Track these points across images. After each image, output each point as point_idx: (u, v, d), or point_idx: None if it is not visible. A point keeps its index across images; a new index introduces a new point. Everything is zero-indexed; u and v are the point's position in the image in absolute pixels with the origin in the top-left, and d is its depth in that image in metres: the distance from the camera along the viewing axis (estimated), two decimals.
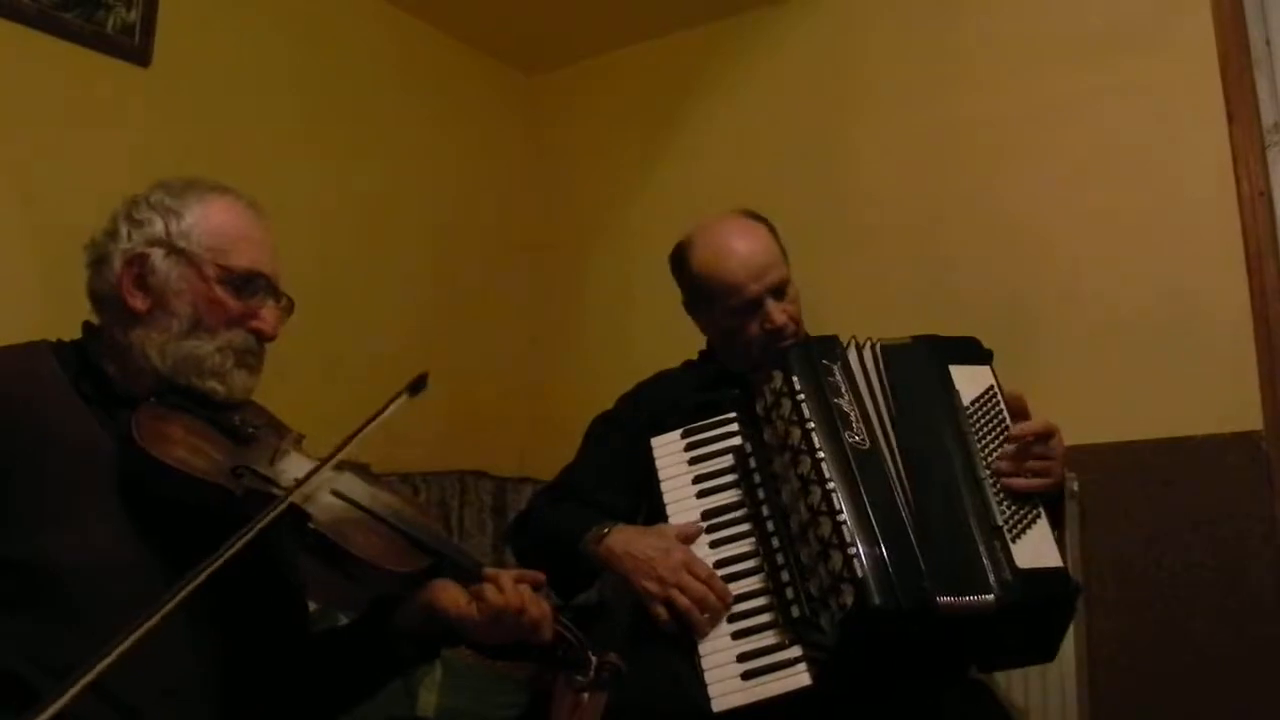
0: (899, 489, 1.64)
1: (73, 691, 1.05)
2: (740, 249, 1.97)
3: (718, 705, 1.59)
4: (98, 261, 1.49)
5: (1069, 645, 2.36)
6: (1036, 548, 1.61)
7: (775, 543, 1.69)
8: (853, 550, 1.55)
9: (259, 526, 1.23)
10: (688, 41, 3.44)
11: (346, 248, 3.05)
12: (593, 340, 3.45)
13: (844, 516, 1.58)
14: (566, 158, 3.68)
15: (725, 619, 1.67)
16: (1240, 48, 2.53)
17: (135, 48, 2.62)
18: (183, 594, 1.13)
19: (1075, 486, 2.48)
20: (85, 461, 1.36)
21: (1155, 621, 2.42)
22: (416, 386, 1.43)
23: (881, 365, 1.78)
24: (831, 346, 1.79)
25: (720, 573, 1.71)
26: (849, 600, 1.53)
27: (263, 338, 1.51)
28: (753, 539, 1.73)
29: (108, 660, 1.07)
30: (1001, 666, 1.84)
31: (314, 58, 3.07)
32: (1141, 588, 2.45)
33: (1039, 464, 1.68)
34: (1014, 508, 1.64)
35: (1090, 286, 2.63)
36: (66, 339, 1.51)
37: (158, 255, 1.46)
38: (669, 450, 1.87)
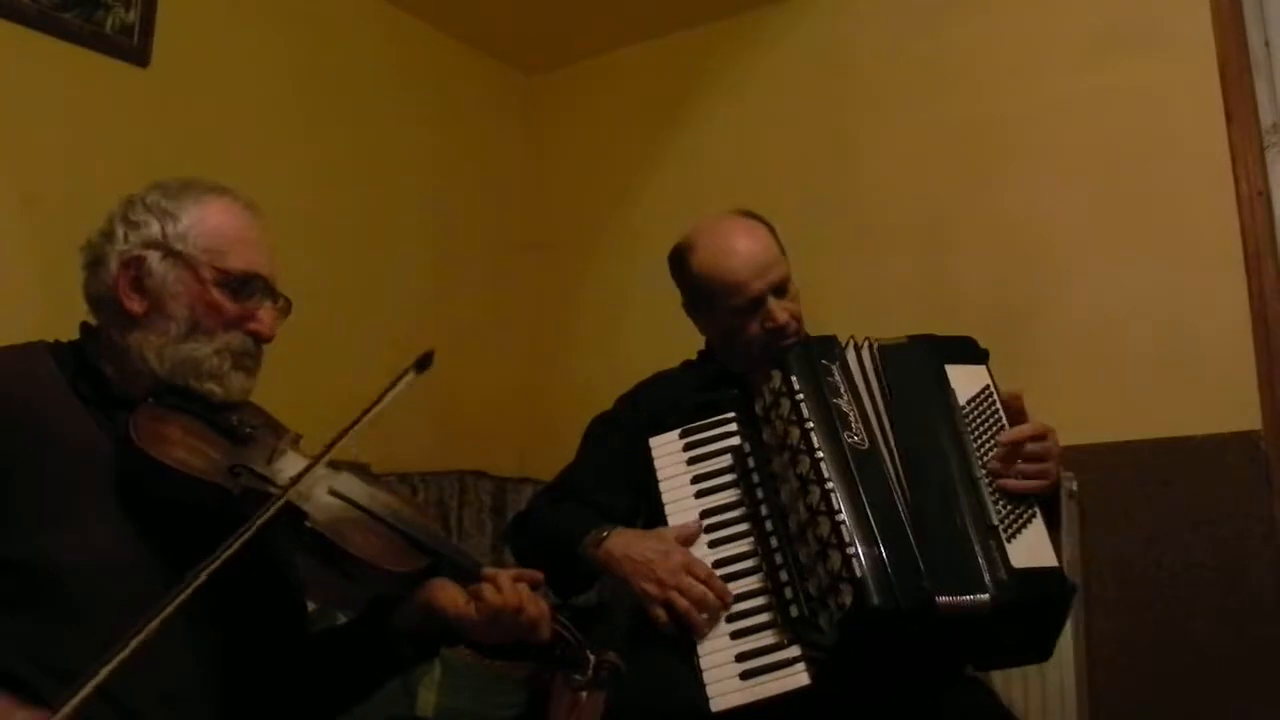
0: (897, 489, 1.64)
1: (83, 694, 1.05)
2: (741, 248, 1.97)
3: (717, 705, 1.59)
4: (94, 263, 1.48)
5: (1069, 645, 2.37)
6: (1032, 547, 1.61)
7: (774, 542, 1.69)
8: (851, 550, 1.55)
9: (262, 520, 1.23)
10: (688, 41, 3.45)
11: (346, 248, 3.06)
12: (592, 340, 3.46)
13: (843, 516, 1.58)
14: (566, 158, 3.68)
15: (724, 619, 1.67)
16: (1239, 49, 2.53)
17: (134, 48, 2.62)
18: (189, 591, 1.14)
19: (1075, 486, 2.48)
20: (84, 462, 1.35)
21: (1155, 621, 2.42)
22: (423, 363, 1.43)
23: (878, 365, 1.78)
24: (830, 346, 1.79)
25: (719, 573, 1.70)
26: (848, 600, 1.53)
27: (260, 339, 1.51)
28: (751, 539, 1.73)
29: (112, 664, 1.07)
30: (998, 666, 1.84)
31: (313, 58, 3.07)
32: (1141, 588, 2.45)
33: (1033, 466, 1.67)
34: (1010, 507, 1.64)
35: (1090, 286, 2.63)
36: (65, 339, 1.51)
37: (154, 258, 1.45)
38: (667, 450, 1.86)
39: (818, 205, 3.03)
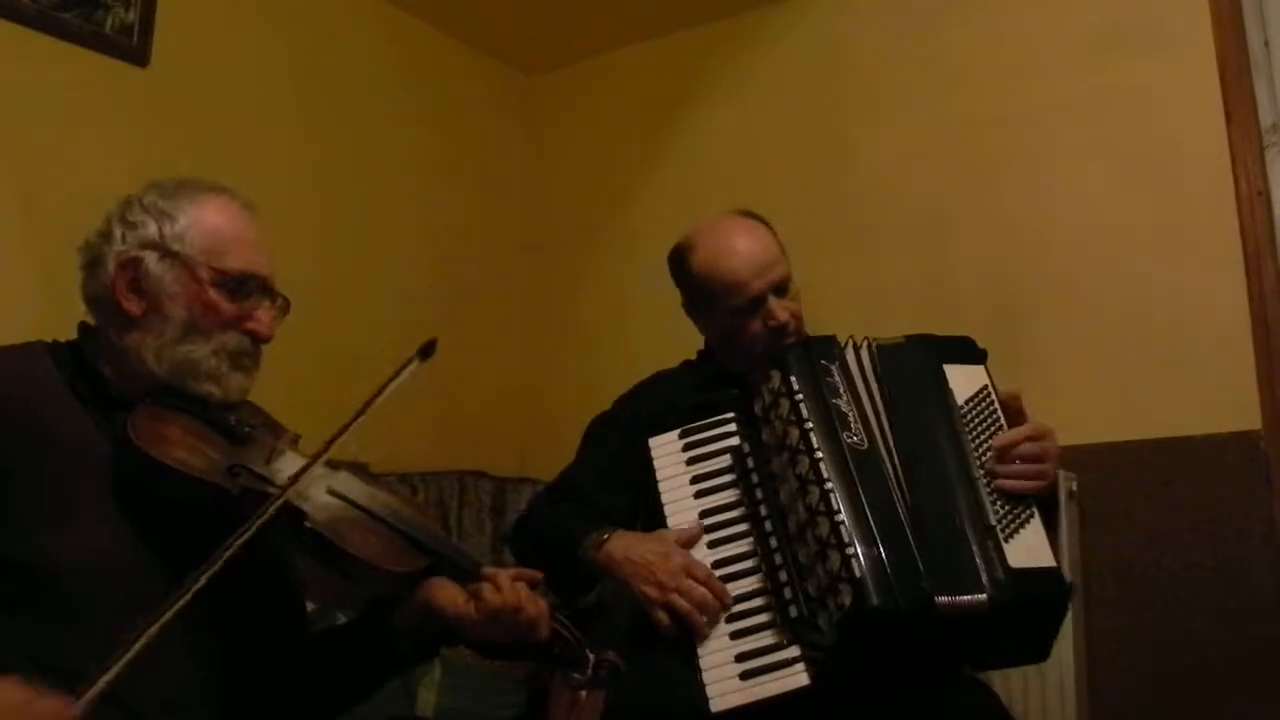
0: (896, 489, 1.64)
1: (106, 678, 1.07)
2: (742, 247, 1.97)
3: (716, 705, 1.59)
4: (91, 264, 1.48)
5: (1069, 645, 2.37)
6: (1030, 547, 1.61)
7: (773, 543, 1.69)
8: (851, 550, 1.55)
9: (263, 519, 1.24)
10: (688, 41, 3.45)
11: (346, 248, 3.06)
12: (592, 340, 3.46)
13: (842, 516, 1.58)
14: (566, 158, 3.69)
15: (724, 619, 1.67)
16: (1239, 49, 2.53)
17: (134, 48, 2.62)
18: (196, 586, 1.15)
19: (1075, 486, 2.48)
20: (83, 462, 1.35)
21: (1155, 621, 2.43)
22: (427, 351, 1.43)
23: (877, 365, 1.78)
24: (830, 346, 1.79)
25: (718, 573, 1.70)
26: (847, 600, 1.53)
27: (258, 339, 1.50)
28: (751, 539, 1.73)
29: (130, 654, 1.09)
30: (995, 666, 1.84)
31: (313, 58, 3.07)
32: (1141, 588, 2.45)
33: (1031, 466, 1.67)
34: (1007, 507, 1.64)
35: (1090, 286, 2.64)
36: (64, 339, 1.51)
37: (151, 259, 1.45)
38: (667, 451, 1.86)
39: (818, 205, 3.04)
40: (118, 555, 1.32)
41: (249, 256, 1.49)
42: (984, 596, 1.55)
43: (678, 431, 1.87)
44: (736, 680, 1.60)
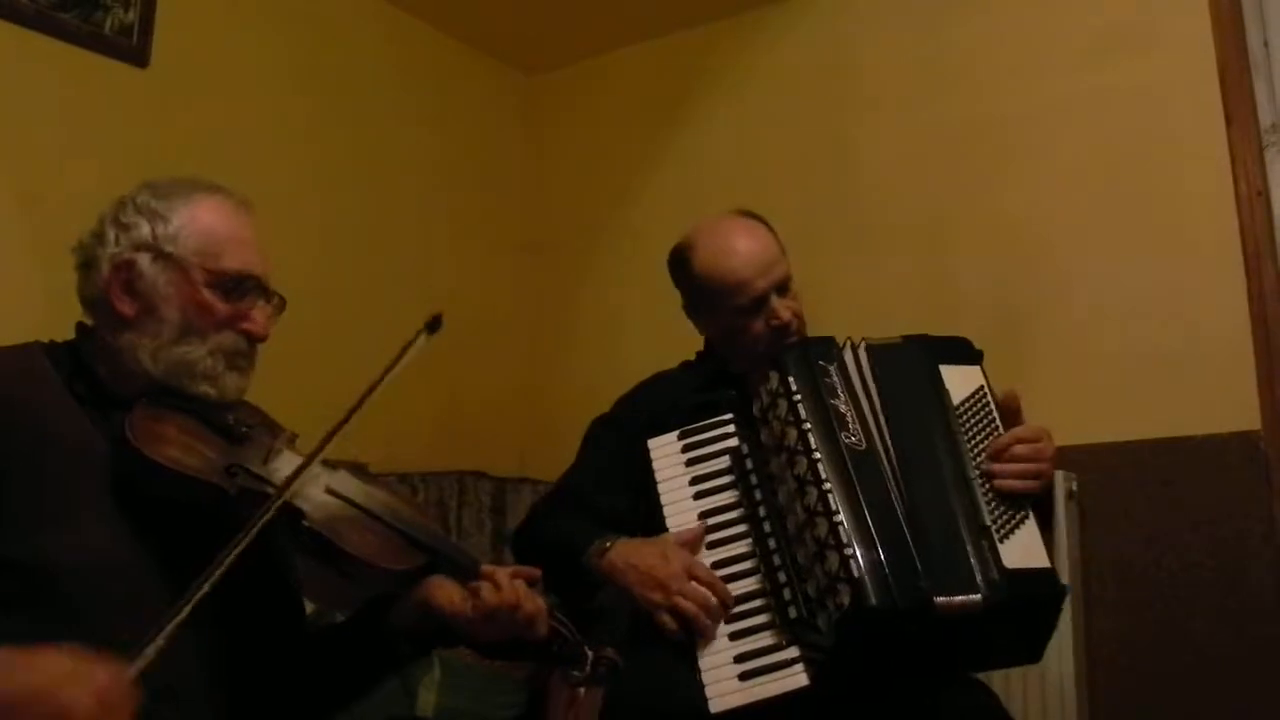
0: (894, 489, 1.64)
1: (149, 654, 1.12)
2: (744, 247, 1.97)
3: (715, 706, 1.59)
4: (85, 265, 1.48)
5: (1069, 645, 2.37)
6: (1024, 548, 1.61)
7: (772, 544, 1.69)
8: (849, 551, 1.55)
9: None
10: (688, 41, 3.45)
11: (346, 248, 3.06)
12: (592, 341, 3.46)
13: (840, 517, 1.58)
14: (566, 158, 3.69)
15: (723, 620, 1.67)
16: (1238, 50, 2.53)
17: (133, 48, 2.62)
18: (231, 556, 1.18)
19: (1075, 486, 2.48)
20: (82, 462, 1.35)
21: (1155, 621, 2.42)
22: (434, 325, 1.43)
23: (873, 365, 1.78)
24: (828, 347, 1.79)
25: (717, 574, 1.71)
26: (845, 600, 1.53)
27: (253, 339, 1.50)
28: (749, 540, 1.73)
29: (166, 633, 1.13)
30: (989, 667, 1.84)
31: (313, 58, 3.07)
32: (1141, 588, 2.45)
33: (1026, 466, 1.67)
34: (1002, 508, 1.64)
35: (1090, 286, 2.64)
36: (63, 340, 1.51)
37: (145, 260, 1.44)
38: (666, 452, 1.86)
39: (818, 205, 3.04)
40: (116, 555, 1.32)
41: (243, 256, 1.49)
42: (979, 597, 1.55)
43: (676, 432, 1.87)
44: (736, 681, 1.60)
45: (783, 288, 1.97)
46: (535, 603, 1.39)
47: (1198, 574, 2.40)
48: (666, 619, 1.67)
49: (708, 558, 1.74)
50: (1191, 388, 2.47)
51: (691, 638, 1.66)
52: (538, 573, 1.44)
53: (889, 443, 1.69)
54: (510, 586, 1.37)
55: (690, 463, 1.84)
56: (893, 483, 1.65)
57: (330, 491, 1.41)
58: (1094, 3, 2.74)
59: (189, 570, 1.21)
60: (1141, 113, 2.62)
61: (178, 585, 1.21)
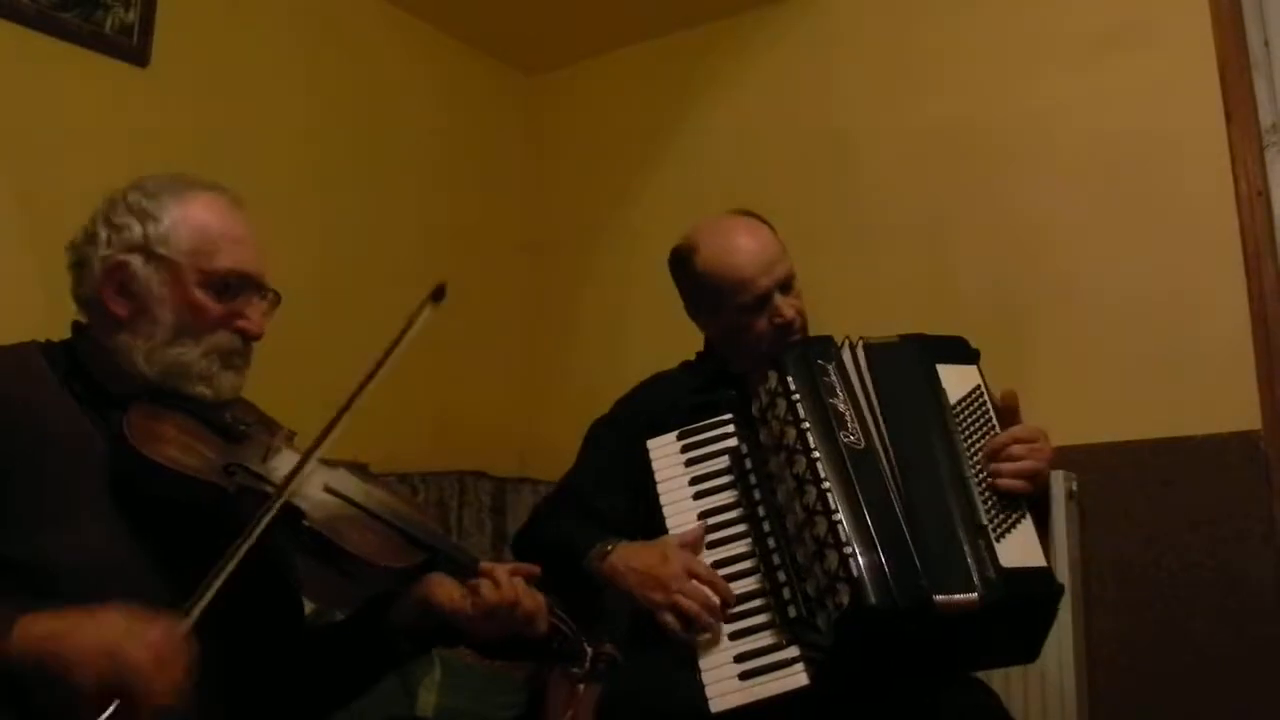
0: (893, 488, 1.64)
1: (201, 608, 1.18)
2: (747, 245, 1.97)
3: (715, 706, 1.59)
4: (78, 265, 1.47)
5: (1069, 646, 2.37)
6: (1021, 547, 1.61)
7: (771, 543, 1.69)
8: (848, 550, 1.55)
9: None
10: (688, 41, 3.45)
11: (345, 247, 3.06)
12: (592, 341, 3.46)
13: (839, 516, 1.58)
14: (566, 158, 3.69)
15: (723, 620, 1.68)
16: (1239, 49, 2.53)
17: (133, 48, 2.62)
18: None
19: (1075, 486, 2.48)
20: (81, 461, 1.35)
21: (1154, 621, 2.42)
22: (438, 294, 1.43)
23: (871, 364, 1.78)
24: (827, 346, 1.79)
25: (717, 574, 1.71)
26: (845, 600, 1.53)
27: (248, 337, 1.49)
28: (749, 540, 1.73)
29: (214, 589, 1.18)
30: (985, 666, 1.84)
31: (313, 58, 3.07)
32: (1141, 588, 2.45)
33: (1023, 465, 1.67)
34: (999, 507, 1.64)
35: (1090, 286, 2.63)
36: (58, 339, 1.51)
37: (137, 262, 1.44)
38: (665, 452, 1.86)
39: (818, 205, 3.03)
40: (115, 554, 1.31)
41: (236, 254, 1.48)
42: (975, 595, 1.55)
43: (676, 433, 1.87)
44: (736, 680, 1.60)
45: (786, 285, 1.97)
46: (535, 599, 1.39)
47: (1197, 574, 2.40)
48: (669, 618, 1.67)
49: (707, 557, 1.74)
50: (1191, 388, 2.47)
51: (694, 637, 1.66)
52: (537, 570, 1.44)
53: (887, 442, 1.69)
54: (509, 583, 1.37)
55: (690, 463, 1.84)
56: (891, 482, 1.65)
57: (329, 490, 1.41)
58: (1094, 2, 2.74)
59: (188, 570, 1.21)
60: (1141, 112, 2.62)
61: (177, 585, 1.21)
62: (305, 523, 1.33)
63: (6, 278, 2.34)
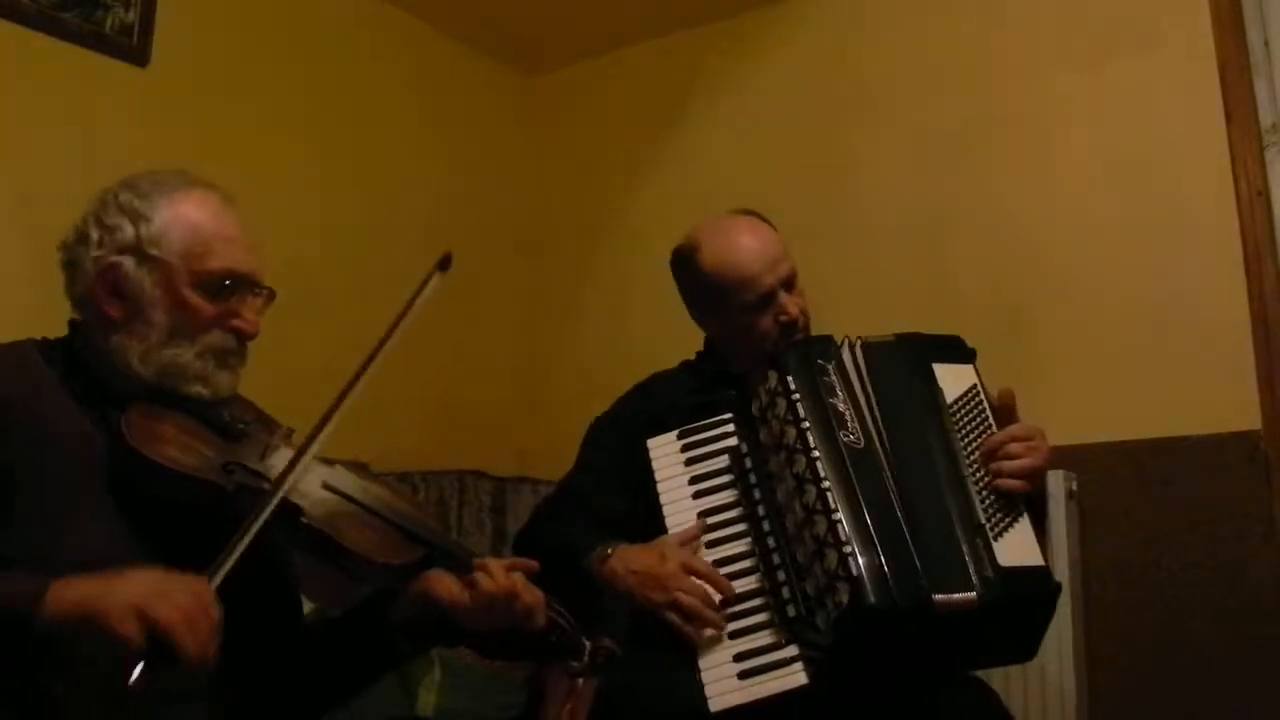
0: (892, 488, 1.64)
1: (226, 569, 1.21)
2: (750, 244, 1.97)
3: (715, 705, 1.59)
4: (70, 265, 1.46)
5: (1068, 645, 2.37)
6: (1018, 546, 1.61)
7: (771, 542, 1.69)
8: (848, 549, 1.55)
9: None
10: (688, 41, 3.44)
11: (346, 247, 3.06)
12: (592, 340, 3.46)
13: (839, 515, 1.58)
14: (566, 158, 3.68)
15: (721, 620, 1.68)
16: (1239, 50, 2.53)
17: (133, 48, 2.62)
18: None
19: (1074, 486, 2.48)
20: (80, 461, 1.35)
21: (1154, 621, 2.42)
22: (445, 264, 1.44)
23: (869, 363, 1.78)
24: (826, 346, 1.79)
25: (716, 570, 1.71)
26: (844, 599, 1.53)
27: (243, 337, 1.49)
28: (749, 539, 1.73)
29: (237, 553, 1.23)
30: (983, 665, 1.84)
31: (313, 58, 3.07)
32: (1140, 588, 2.45)
33: (1020, 464, 1.67)
34: (996, 506, 1.65)
35: (1089, 286, 2.63)
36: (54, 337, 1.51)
37: (129, 264, 1.43)
38: (665, 452, 1.87)
39: (818, 206, 3.03)
40: (115, 554, 1.31)
41: (229, 254, 1.47)
42: (974, 594, 1.55)
43: (676, 432, 1.88)
44: (735, 680, 1.61)
45: (790, 284, 1.97)
46: (534, 594, 1.39)
47: (1197, 574, 2.40)
48: (672, 616, 1.68)
49: (707, 556, 1.74)
50: (1191, 387, 2.46)
51: (697, 632, 1.66)
52: (535, 565, 1.45)
53: (886, 441, 1.69)
54: (506, 576, 1.38)
55: (689, 462, 1.85)
56: (890, 481, 1.65)
57: (328, 487, 1.41)
58: (1094, 3, 2.74)
59: (187, 569, 1.21)
60: (1141, 113, 2.62)
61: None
62: (304, 519, 1.33)
63: (6, 278, 2.34)
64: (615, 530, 1.83)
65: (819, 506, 1.61)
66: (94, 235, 1.45)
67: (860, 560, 1.54)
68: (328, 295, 2.83)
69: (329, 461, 1.45)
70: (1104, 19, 2.71)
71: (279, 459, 1.41)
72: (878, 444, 1.69)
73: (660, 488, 1.84)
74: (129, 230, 1.44)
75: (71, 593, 1.15)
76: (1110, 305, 2.60)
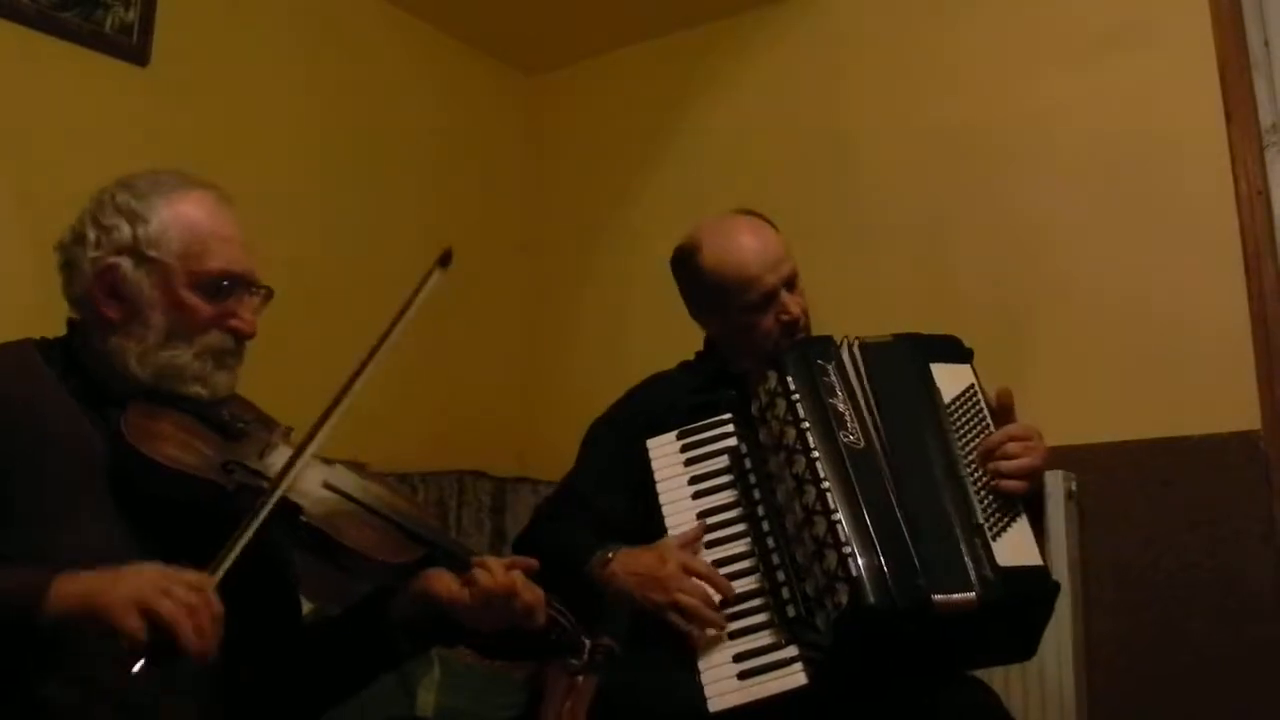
0: (891, 488, 1.64)
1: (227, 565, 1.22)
2: (751, 243, 1.97)
3: (714, 705, 1.59)
4: (67, 266, 1.46)
5: (1067, 646, 2.36)
6: (1017, 546, 1.61)
7: (771, 543, 1.69)
8: (847, 549, 1.55)
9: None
10: (688, 41, 3.44)
11: (345, 247, 3.05)
12: (591, 341, 3.46)
13: (839, 516, 1.58)
14: (566, 158, 3.68)
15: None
16: (1239, 49, 2.53)
17: (133, 47, 2.62)
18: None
19: (1074, 486, 2.48)
20: (80, 461, 1.35)
21: (1153, 622, 2.42)
22: (445, 260, 1.44)
23: (867, 363, 1.78)
24: (826, 346, 1.79)
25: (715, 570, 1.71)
26: (844, 600, 1.53)
27: (241, 337, 1.49)
28: (748, 539, 1.73)
29: (237, 550, 1.23)
30: (982, 665, 1.84)
31: (313, 58, 3.07)
32: (1139, 588, 2.45)
33: (1018, 464, 1.67)
34: (995, 506, 1.65)
35: (1089, 286, 2.63)
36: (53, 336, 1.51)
37: (127, 265, 1.43)
38: (664, 452, 1.87)
39: (817, 206, 3.03)
40: (114, 554, 1.31)
41: (227, 254, 1.47)
42: (973, 594, 1.55)
43: (675, 433, 1.88)
44: (734, 680, 1.61)
45: (791, 283, 1.97)
46: (533, 592, 1.39)
47: (1196, 574, 2.40)
48: (674, 617, 1.68)
49: (707, 557, 1.74)
50: (1191, 387, 2.46)
51: (699, 631, 1.66)
52: (534, 563, 1.45)
53: (885, 442, 1.69)
54: (504, 573, 1.38)
55: (689, 463, 1.85)
56: (890, 482, 1.65)
57: (327, 486, 1.41)
58: (1094, 2, 2.74)
59: (187, 568, 1.21)
60: (1141, 112, 2.62)
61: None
62: (303, 518, 1.33)
63: (6, 278, 2.34)
64: (615, 531, 1.83)
65: (819, 507, 1.61)
66: (91, 236, 1.45)
67: (860, 561, 1.54)
68: (328, 295, 2.83)
69: (328, 461, 1.45)
70: (1104, 19, 2.71)
71: (278, 458, 1.41)
72: (877, 444, 1.69)
73: (660, 488, 1.84)
74: (126, 231, 1.44)
75: (75, 586, 1.16)
76: (1110, 305, 2.60)
